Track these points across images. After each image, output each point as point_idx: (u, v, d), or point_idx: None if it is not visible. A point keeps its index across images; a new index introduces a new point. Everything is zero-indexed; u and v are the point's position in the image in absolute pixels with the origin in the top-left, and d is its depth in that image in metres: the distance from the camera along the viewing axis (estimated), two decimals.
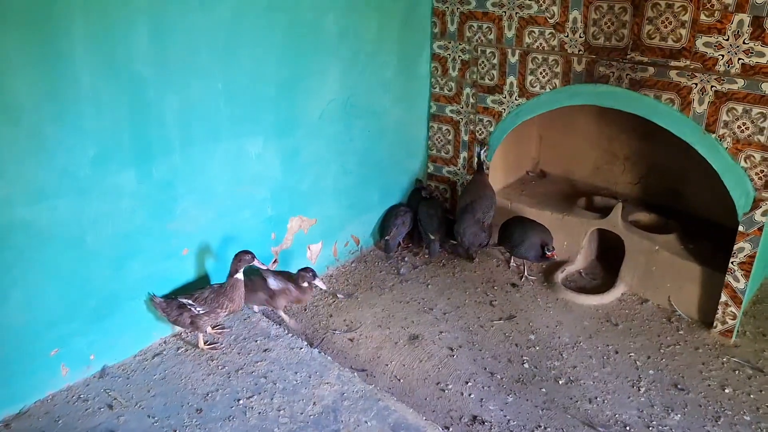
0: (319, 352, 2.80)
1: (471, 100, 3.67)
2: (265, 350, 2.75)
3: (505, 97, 3.52)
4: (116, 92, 2.39)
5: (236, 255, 2.72)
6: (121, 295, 2.64)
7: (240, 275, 2.72)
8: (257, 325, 2.93)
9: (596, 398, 2.72)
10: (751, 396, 2.73)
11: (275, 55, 2.90)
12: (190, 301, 2.66)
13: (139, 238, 2.63)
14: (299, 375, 2.61)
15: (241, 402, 2.46)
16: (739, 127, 2.75)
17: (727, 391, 2.75)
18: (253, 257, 2.72)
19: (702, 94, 2.81)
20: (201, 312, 2.65)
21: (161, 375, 2.62)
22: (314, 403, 2.45)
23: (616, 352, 3.01)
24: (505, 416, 2.62)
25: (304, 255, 3.44)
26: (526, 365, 2.92)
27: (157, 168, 2.60)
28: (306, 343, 2.86)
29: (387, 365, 2.90)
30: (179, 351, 2.76)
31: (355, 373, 2.67)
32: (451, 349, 3.02)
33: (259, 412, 2.40)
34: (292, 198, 3.24)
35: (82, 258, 2.46)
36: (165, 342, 2.82)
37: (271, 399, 2.47)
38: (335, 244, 3.62)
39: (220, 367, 2.65)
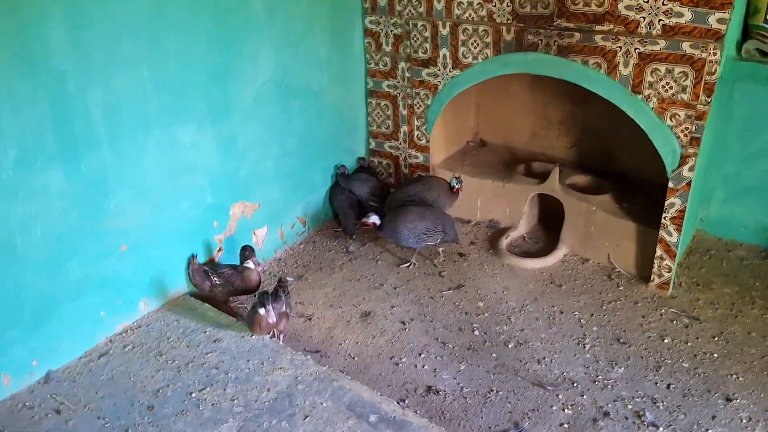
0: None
1: (407, 74, 3.66)
2: (215, 341, 2.72)
3: (439, 70, 3.52)
4: (34, 88, 2.28)
5: (241, 249, 3.09)
6: (60, 298, 2.56)
7: (250, 264, 3.00)
8: (205, 315, 2.89)
9: (544, 358, 2.81)
10: (689, 344, 2.87)
11: (202, 39, 2.82)
12: (211, 272, 2.98)
13: (73, 238, 2.54)
14: (251, 363, 2.60)
15: (193, 395, 2.43)
16: (663, 87, 2.84)
17: (666, 341, 2.89)
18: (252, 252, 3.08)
19: (626, 57, 2.88)
20: (217, 283, 2.96)
21: (109, 375, 2.56)
22: (268, 390, 2.44)
23: (561, 312, 3.11)
24: (458, 384, 2.68)
25: (250, 240, 3.40)
26: (476, 332, 2.99)
27: (85, 164, 2.51)
28: None
29: (341, 344, 2.92)
30: (126, 349, 2.70)
31: (309, 356, 2.68)
32: (403, 323, 3.06)
33: (213, 404, 2.38)
34: (232, 184, 3.19)
35: (13, 263, 2.36)
36: (111, 341, 2.76)
37: (224, 389, 2.46)
38: (281, 227, 3.59)
39: (169, 362, 2.61)
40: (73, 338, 2.64)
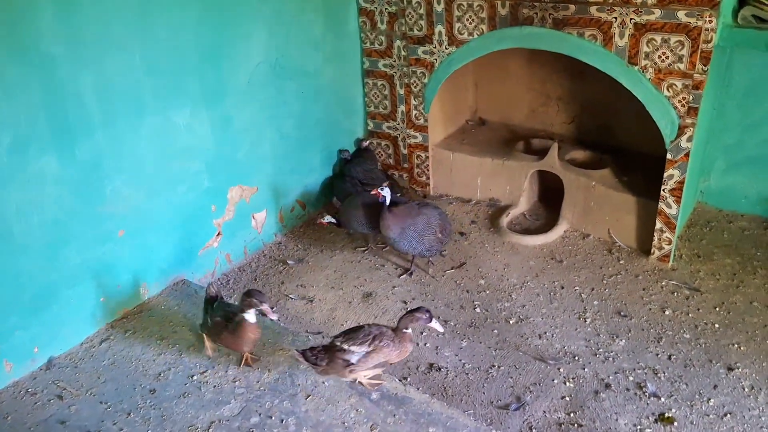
0: (272, 320, 2.79)
1: (403, 53, 3.63)
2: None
3: (435, 47, 3.49)
4: (25, 74, 2.27)
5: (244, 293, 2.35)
6: (59, 284, 2.56)
7: (250, 316, 2.33)
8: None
9: (545, 333, 2.81)
10: (690, 315, 2.86)
11: (193, 20, 2.79)
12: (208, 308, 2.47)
13: (69, 225, 2.54)
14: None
15: (194, 378, 2.44)
16: (659, 57, 2.81)
17: (667, 313, 2.88)
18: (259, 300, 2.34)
19: (622, 28, 2.84)
20: (208, 323, 2.46)
21: (110, 360, 2.57)
22: (269, 371, 2.45)
23: (562, 288, 3.10)
24: (460, 360, 2.68)
25: (249, 225, 3.40)
26: (477, 309, 2.98)
27: (79, 150, 2.50)
28: (258, 312, 2.84)
29: (342, 325, 2.92)
30: (127, 334, 2.71)
31: (311, 337, 2.68)
32: (405, 303, 3.06)
33: (215, 386, 2.39)
34: (229, 167, 3.18)
35: (11, 251, 2.37)
36: (112, 327, 2.76)
37: (226, 371, 2.46)
38: (280, 210, 3.58)
39: (170, 346, 2.62)
40: (73, 324, 2.65)
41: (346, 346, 2.26)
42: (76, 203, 2.54)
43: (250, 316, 2.31)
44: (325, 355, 2.28)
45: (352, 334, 2.30)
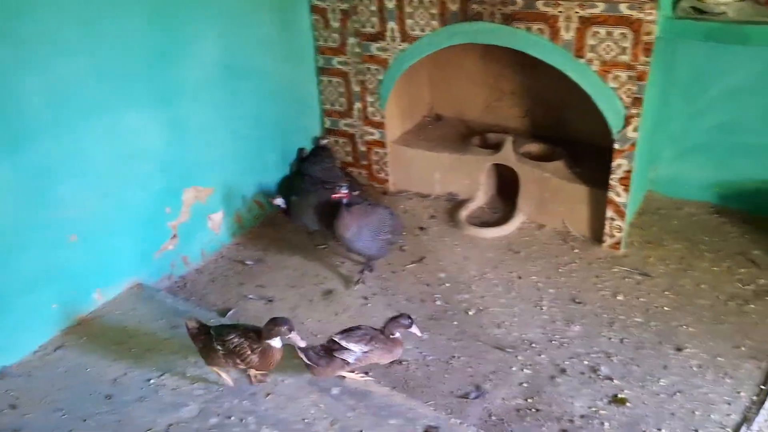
0: (230, 321, 2.78)
1: (356, 50, 3.65)
2: (173, 327, 2.69)
3: (388, 44, 3.51)
4: None
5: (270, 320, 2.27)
6: (10, 293, 2.50)
7: (276, 341, 2.25)
8: (162, 303, 2.86)
9: (504, 322, 2.86)
10: (641, 299, 2.95)
11: (143, 23, 2.76)
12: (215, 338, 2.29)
13: (19, 231, 2.48)
14: None
15: (152, 381, 2.41)
16: (604, 49, 2.88)
17: (619, 298, 2.97)
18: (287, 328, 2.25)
19: (568, 22, 2.91)
20: (220, 351, 2.27)
21: (65, 368, 2.52)
22: (228, 371, 2.44)
23: (519, 278, 3.16)
24: (421, 353, 2.71)
25: (206, 226, 3.37)
26: (438, 302, 3.02)
27: (28, 155, 2.44)
28: (216, 313, 2.83)
29: (303, 323, 2.92)
30: (82, 341, 2.66)
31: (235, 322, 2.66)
32: (366, 298, 3.08)
33: (173, 389, 2.37)
34: (183, 169, 3.14)
35: None
36: (66, 334, 2.71)
37: (184, 374, 2.44)
38: (237, 211, 3.56)
39: (126, 351, 2.58)
40: (26, 333, 2.60)
41: (344, 343, 2.28)
42: (25, 209, 2.49)
43: (276, 342, 2.24)
44: (325, 354, 2.31)
45: (350, 332, 2.34)
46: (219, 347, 2.25)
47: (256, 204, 3.68)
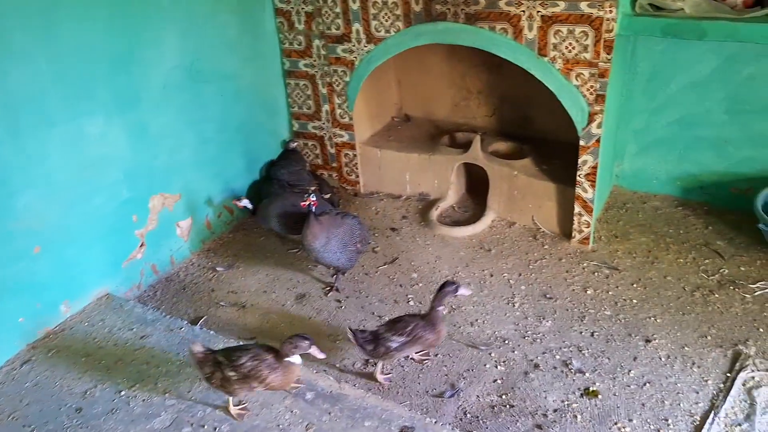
0: (201, 329, 2.75)
1: (322, 52, 3.64)
2: (142, 337, 2.66)
3: (354, 45, 3.51)
4: None
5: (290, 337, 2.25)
6: None
7: (296, 359, 2.23)
8: (131, 312, 2.82)
9: (477, 320, 2.88)
10: (610, 293, 3.00)
11: (101, 26, 2.71)
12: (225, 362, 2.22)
13: None
14: (182, 355, 2.55)
15: (123, 393, 2.37)
16: (566, 47, 2.92)
17: (589, 292, 3.01)
18: (310, 344, 2.24)
19: (530, 20, 2.94)
20: (233, 377, 2.20)
21: (33, 382, 2.46)
22: (200, 380, 2.40)
23: (491, 275, 3.19)
24: None
25: (174, 233, 3.32)
26: (411, 303, 3.03)
27: None
28: (186, 322, 2.79)
29: (277, 328, 2.91)
30: (50, 354, 2.60)
31: (242, 342, 2.65)
32: (339, 302, 3.07)
33: (144, 400, 2.33)
34: (149, 176, 3.09)
35: None
36: (33, 347, 2.65)
37: (156, 384, 2.41)
38: (207, 217, 3.52)
39: (96, 363, 2.53)
40: None
41: (388, 335, 2.46)
42: None
43: (296, 358, 2.21)
44: (372, 340, 2.48)
45: (394, 325, 2.50)
46: (232, 374, 2.16)
47: (225, 209, 3.64)
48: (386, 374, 2.60)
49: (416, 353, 2.64)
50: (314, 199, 2.87)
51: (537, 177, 3.47)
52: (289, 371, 2.21)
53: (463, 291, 2.51)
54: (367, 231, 3.27)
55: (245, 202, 3.34)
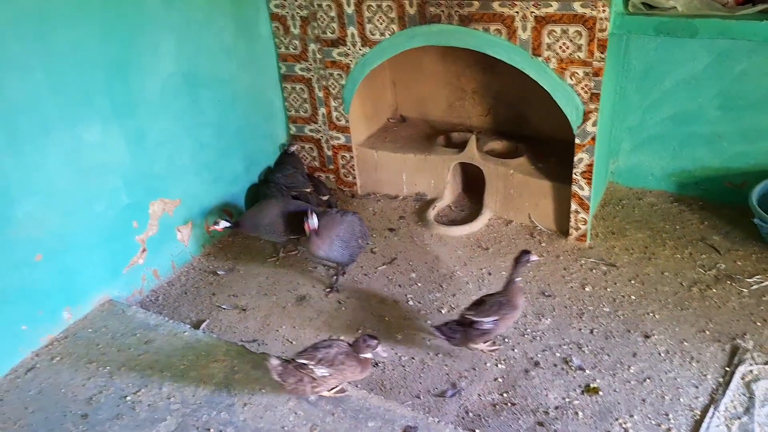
0: (204, 332, 2.76)
1: (318, 56, 3.66)
2: (146, 342, 2.67)
3: (349, 49, 3.53)
4: None
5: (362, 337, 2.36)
6: None
7: (369, 354, 2.36)
8: (133, 318, 2.83)
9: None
10: (608, 289, 3.02)
11: (97, 34, 2.72)
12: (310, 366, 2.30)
13: None
14: (186, 359, 2.56)
15: (128, 398, 2.39)
16: (560, 47, 2.95)
17: (587, 289, 3.04)
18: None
19: (524, 21, 2.97)
20: (325, 375, 2.30)
21: (38, 389, 2.48)
22: (205, 383, 2.42)
23: (490, 274, 3.21)
24: (396, 353, 2.74)
25: (175, 238, 3.34)
26: (410, 302, 3.05)
27: None
28: (189, 326, 2.81)
29: (278, 330, 2.92)
30: (54, 361, 2.61)
31: (245, 345, 2.67)
32: (340, 302, 3.09)
33: (149, 404, 2.35)
34: (148, 182, 3.11)
35: None
36: (37, 355, 2.66)
37: (160, 389, 2.42)
38: (206, 220, 3.54)
39: (100, 369, 2.55)
40: None
41: (477, 318, 2.52)
42: None
43: (368, 354, 2.35)
44: (459, 328, 2.55)
45: (479, 307, 2.56)
46: (323, 371, 2.27)
47: (225, 213, 3.65)
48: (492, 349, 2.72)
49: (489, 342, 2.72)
50: (313, 220, 2.92)
51: (533, 175, 3.50)
52: (365, 364, 2.37)
53: (534, 258, 2.63)
54: (366, 226, 3.30)
55: (222, 224, 3.22)
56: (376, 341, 2.33)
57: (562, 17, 2.88)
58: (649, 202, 3.69)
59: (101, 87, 2.79)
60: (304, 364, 2.26)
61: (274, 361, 2.27)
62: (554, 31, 2.92)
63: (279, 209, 3.29)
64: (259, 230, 3.29)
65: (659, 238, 3.36)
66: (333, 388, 2.36)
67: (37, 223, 2.61)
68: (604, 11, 2.78)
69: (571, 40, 2.91)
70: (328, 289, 3.18)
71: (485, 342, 2.67)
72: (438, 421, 2.24)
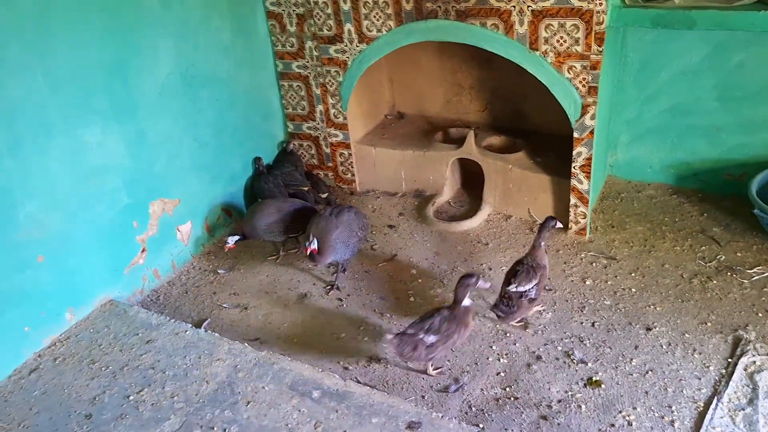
0: (206, 331, 2.77)
1: (315, 53, 3.65)
2: (148, 341, 2.67)
3: (346, 46, 3.53)
4: None
5: (459, 280, 2.54)
6: None
7: (467, 301, 2.53)
8: (135, 318, 2.83)
9: (477, 314, 2.90)
10: (609, 282, 3.03)
11: (95, 36, 2.72)
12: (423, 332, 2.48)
13: None
14: (188, 358, 2.57)
15: (131, 398, 2.39)
16: (557, 41, 2.95)
17: (587, 282, 3.04)
18: (477, 279, 2.54)
19: (521, 15, 2.97)
20: (433, 341, 2.47)
21: (42, 390, 2.48)
22: (207, 382, 2.43)
23: (490, 269, 3.22)
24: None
25: (175, 238, 3.34)
26: (412, 299, 3.05)
27: None
28: (191, 325, 2.81)
29: (279, 328, 2.93)
30: (57, 362, 2.62)
31: (246, 344, 2.67)
32: (341, 300, 3.09)
33: (152, 404, 2.35)
34: (148, 182, 3.11)
35: None
36: (40, 356, 2.66)
37: (163, 388, 2.43)
38: (206, 220, 3.54)
39: (103, 369, 2.55)
40: None
41: (522, 288, 2.66)
42: None
43: (468, 300, 2.52)
44: (510, 302, 2.68)
45: (517, 277, 2.68)
46: (432, 338, 2.45)
47: (224, 212, 3.66)
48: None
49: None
50: (314, 246, 2.97)
51: (531, 170, 3.50)
52: (467, 314, 2.53)
53: (559, 224, 2.85)
54: (364, 217, 3.32)
55: (233, 240, 3.26)
56: (473, 277, 2.50)
57: (559, 11, 2.88)
58: (648, 194, 3.69)
59: (101, 88, 2.78)
60: (414, 334, 2.46)
61: (389, 336, 2.49)
62: (551, 24, 2.93)
63: (275, 209, 3.29)
64: (258, 232, 3.28)
65: (659, 230, 3.37)
66: (437, 369, 2.61)
67: (38, 224, 2.61)
68: (601, 4, 2.78)
69: (568, 34, 2.91)
70: (328, 287, 3.18)
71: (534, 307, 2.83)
72: (442, 417, 2.24)
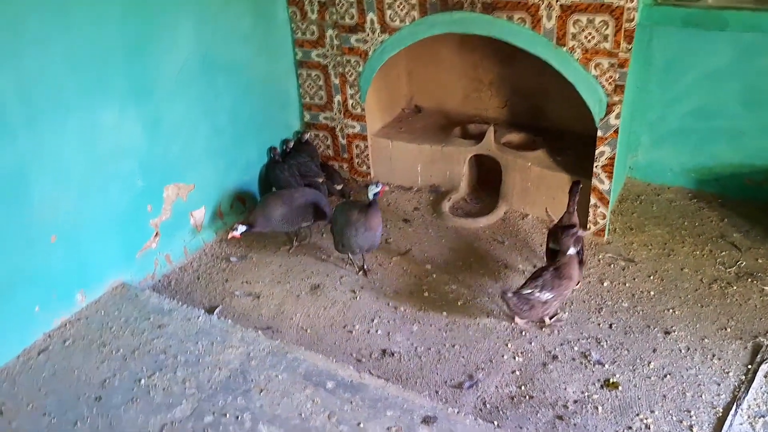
0: (218, 318, 2.74)
1: (335, 42, 3.61)
2: (159, 326, 2.64)
3: (368, 35, 3.49)
4: None
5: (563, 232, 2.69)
6: None
7: (572, 250, 2.67)
8: (147, 302, 2.80)
9: (493, 311, 2.87)
10: (627, 285, 2.99)
11: (116, 14, 2.68)
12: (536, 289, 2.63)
13: None
14: (201, 344, 2.54)
15: (142, 382, 2.36)
16: (586, 37, 2.91)
17: (605, 284, 3.00)
18: (578, 229, 2.72)
19: (549, 10, 2.92)
20: (547, 298, 2.62)
21: (51, 371, 2.45)
22: (220, 369, 2.40)
23: (506, 267, 3.18)
24: (412, 344, 2.71)
25: (188, 223, 3.31)
26: (426, 294, 3.02)
27: (2, 155, 2.36)
28: (203, 311, 2.78)
29: (292, 319, 2.90)
30: (66, 344, 2.59)
31: (260, 332, 2.64)
32: (354, 292, 3.06)
33: (164, 389, 2.32)
34: (164, 165, 3.08)
35: None
36: (50, 337, 2.64)
37: (174, 373, 2.40)
38: (219, 207, 3.50)
39: (114, 352, 2.52)
40: (8, 337, 2.52)
41: (572, 251, 2.68)
42: (1, 211, 2.40)
43: (572, 249, 2.63)
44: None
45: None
46: (548, 295, 2.60)
47: (238, 199, 3.62)
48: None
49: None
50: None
51: (551, 169, 3.45)
52: (571, 265, 2.64)
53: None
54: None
55: (240, 229, 3.16)
56: (574, 227, 2.68)
57: (589, 6, 2.83)
58: (667, 197, 3.65)
59: (119, 68, 2.75)
60: (530, 293, 2.59)
61: (510, 294, 2.61)
62: (580, 20, 2.88)
63: (288, 198, 3.26)
64: (272, 224, 3.24)
65: (678, 234, 3.32)
66: (553, 316, 2.76)
67: (52, 204, 2.58)
68: (632, 1, 2.73)
69: (597, 30, 2.86)
70: (360, 271, 3.19)
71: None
72: (458, 412, 2.21)
